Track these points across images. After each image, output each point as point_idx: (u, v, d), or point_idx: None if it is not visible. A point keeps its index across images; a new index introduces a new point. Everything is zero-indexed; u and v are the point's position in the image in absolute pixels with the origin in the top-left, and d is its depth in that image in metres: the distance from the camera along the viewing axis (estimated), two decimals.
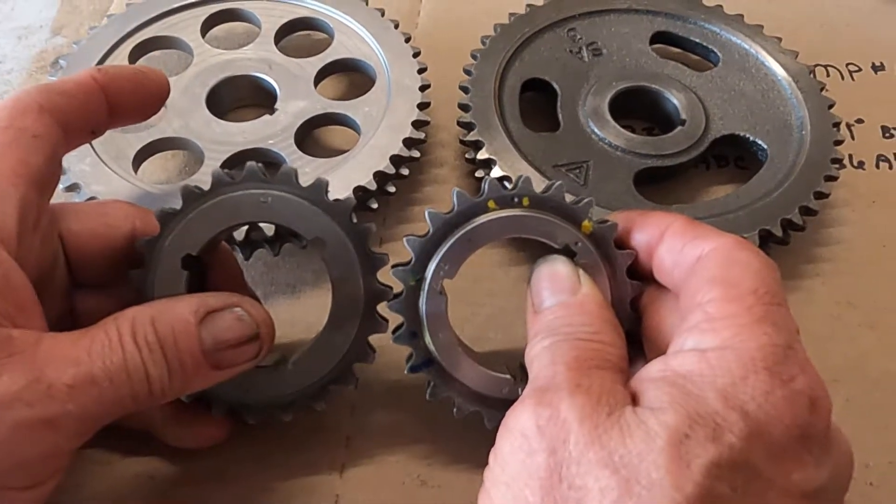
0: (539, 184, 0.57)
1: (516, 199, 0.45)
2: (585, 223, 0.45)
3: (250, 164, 0.44)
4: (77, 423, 0.36)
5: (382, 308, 0.46)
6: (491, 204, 0.45)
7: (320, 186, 0.45)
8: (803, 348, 0.37)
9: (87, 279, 0.46)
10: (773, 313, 0.37)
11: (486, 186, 0.45)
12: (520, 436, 0.36)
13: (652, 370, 0.37)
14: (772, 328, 0.36)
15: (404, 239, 0.45)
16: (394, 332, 0.46)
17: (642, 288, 0.45)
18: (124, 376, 0.37)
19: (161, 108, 0.50)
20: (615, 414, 0.35)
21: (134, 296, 0.44)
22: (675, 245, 0.42)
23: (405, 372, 0.46)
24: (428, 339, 0.45)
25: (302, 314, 0.58)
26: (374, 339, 0.47)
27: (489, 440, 0.39)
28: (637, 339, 0.45)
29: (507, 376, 0.46)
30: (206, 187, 0.45)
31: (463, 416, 0.46)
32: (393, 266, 0.45)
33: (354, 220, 0.45)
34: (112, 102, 0.45)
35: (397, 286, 0.46)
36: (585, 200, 0.45)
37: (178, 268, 0.43)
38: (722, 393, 0.34)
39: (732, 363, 0.35)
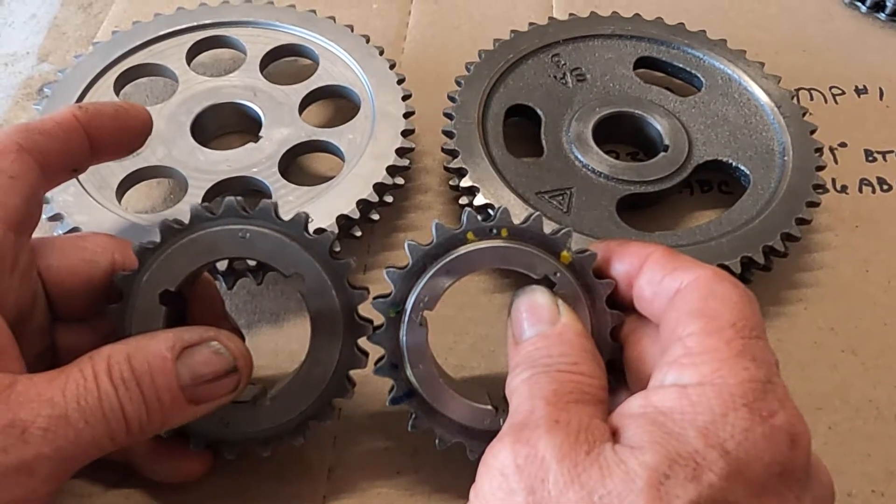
0: (522, 212, 0.58)
1: (495, 231, 0.45)
2: (564, 253, 0.45)
3: (229, 199, 0.44)
4: (53, 466, 0.36)
5: (362, 342, 0.46)
6: (470, 235, 0.45)
7: (299, 221, 0.45)
8: (783, 382, 0.37)
9: (68, 314, 0.46)
10: (752, 347, 0.37)
11: (465, 218, 0.45)
12: (499, 474, 0.36)
13: (632, 405, 0.37)
14: (751, 363, 0.36)
15: (384, 271, 0.45)
16: (375, 363, 0.46)
17: (622, 318, 0.45)
18: (100, 415, 0.37)
19: (144, 144, 0.50)
20: (594, 452, 0.35)
21: (113, 330, 0.44)
22: (654, 276, 0.43)
23: (386, 404, 0.46)
24: (409, 370, 0.46)
25: (285, 343, 0.58)
26: (354, 371, 0.47)
27: (472, 470, 0.39)
28: (618, 369, 0.46)
29: (489, 407, 0.46)
30: (187, 219, 0.45)
31: (445, 448, 0.46)
32: (374, 298, 0.45)
33: (335, 253, 0.45)
34: (94, 140, 0.45)
35: (378, 318, 0.46)
36: (564, 231, 0.45)
37: (156, 303, 0.43)
38: (702, 431, 0.34)
39: (713, 400, 0.35)
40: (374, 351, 0.46)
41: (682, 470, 0.33)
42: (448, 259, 0.45)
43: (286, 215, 0.46)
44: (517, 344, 0.43)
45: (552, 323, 0.43)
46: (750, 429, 0.34)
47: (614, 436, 0.36)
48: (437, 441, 0.46)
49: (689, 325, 0.38)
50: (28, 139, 0.42)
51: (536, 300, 0.44)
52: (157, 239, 0.44)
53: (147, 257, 0.44)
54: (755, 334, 0.38)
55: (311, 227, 0.46)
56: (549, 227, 0.46)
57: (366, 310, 0.46)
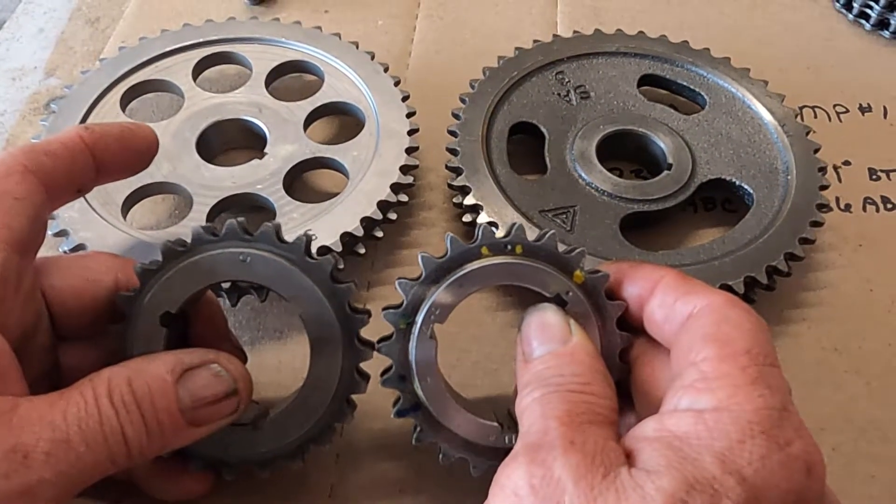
0: (527, 230, 0.58)
1: (509, 247, 0.45)
2: (577, 273, 0.45)
3: (230, 221, 0.44)
4: (55, 490, 0.36)
5: (363, 366, 0.46)
6: (484, 250, 0.45)
7: (300, 245, 0.45)
8: (797, 410, 0.37)
9: (72, 333, 0.46)
10: (766, 374, 0.37)
11: (480, 233, 0.45)
12: (512, 494, 0.36)
13: (647, 429, 0.37)
14: (766, 390, 0.36)
15: (396, 282, 0.45)
16: (382, 374, 0.46)
17: (632, 339, 0.45)
18: (101, 439, 0.37)
19: (149, 164, 0.50)
20: (610, 475, 0.35)
21: (116, 349, 0.44)
22: (666, 300, 0.42)
23: (392, 416, 0.46)
24: (416, 383, 0.45)
25: (288, 360, 0.58)
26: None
27: (475, 490, 0.39)
28: (626, 390, 0.45)
29: (495, 424, 0.46)
30: (189, 239, 0.45)
31: (449, 463, 0.46)
32: (384, 308, 0.45)
33: (336, 277, 0.45)
34: (99, 161, 0.46)
35: (387, 329, 0.45)
36: (578, 250, 0.45)
37: (157, 325, 0.43)
38: (719, 457, 0.34)
39: (729, 426, 0.35)
40: (380, 362, 0.46)
41: (700, 496, 0.33)
42: (461, 273, 0.44)
43: (290, 233, 0.46)
44: (527, 362, 0.43)
45: (563, 342, 0.43)
46: (767, 456, 0.34)
47: (628, 459, 0.36)
48: (440, 456, 0.46)
49: (703, 350, 0.38)
50: (33, 160, 0.42)
51: (548, 318, 0.44)
52: (159, 259, 0.44)
53: (148, 278, 0.44)
54: (769, 361, 0.37)
55: (315, 245, 0.46)
56: (560, 246, 0.46)
57: (367, 332, 0.46)
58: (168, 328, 0.44)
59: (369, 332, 0.46)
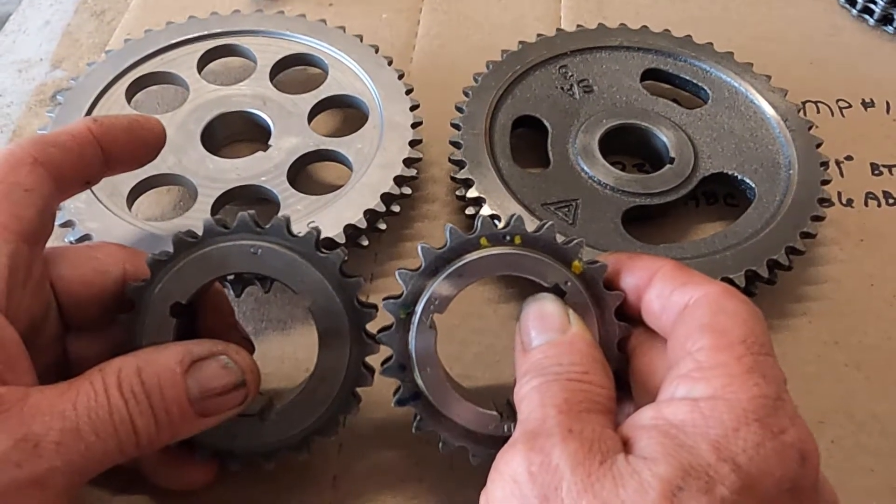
0: (528, 223, 0.58)
1: (508, 238, 0.45)
2: (576, 263, 0.45)
3: (242, 214, 0.45)
4: (65, 479, 0.36)
5: (369, 360, 0.47)
6: (483, 241, 0.45)
7: (310, 239, 0.45)
8: (791, 399, 0.37)
9: (80, 323, 0.46)
10: (761, 364, 0.37)
11: (479, 224, 0.45)
12: (511, 481, 0.36)
13: (644, 417, 0.38)
14: (761, 379, 0.36)
15: (396, 272, 0.45)
16: (382, 364, 0.46)
17: (630, 330, 0.46)
18: (111, 428, 0.38)
19: (157, 156, 0.51)
20: (608, 462, 0.35)
21: (124, 339, 0.44)
22: (663, 290, 0.43)
23: (392, 405, 0.46)
24: (416, 372, 0.46)
25: (292, 350, 0.58)
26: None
27: (476, 479, 0.40)
28: (623, 380, 0.46)
29: (494, 413, 0.46)
30: (200, 231, 0.45)
31: (449, 452, 0.47)
32: (384, 298, 0.46)
33: (345, 271, 0.46)
34: (107, 153, 0.46)
35: (387, 319, 0.46)
36: (576, 241, 0.46)
37: (166, 315, 0.44)
38: (714, 444, 0.34)
39: (724, 414, 0.35)
40: (382, 354, 0.47)
41: (695, 482, 0.33)
42: (460, 263, 0.45)
43: (294, 224, 0.46)
44: (525, 351, 0.43)
45: (562, 331, 0.43)
46: (761, 444, 0.34)
47: (625, 446, 0.37)
48: (441, 444, 0.47)
49: (699, 340, 0.38)
50: (43, 152, 0.42)
51: (546, 308, 0.44)
52: (169, 250, 0.44)
53: (159, 269, 0.44)
54: (764, 351, 0.38)
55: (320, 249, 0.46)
56: (559, 237, 0.46)
57: (370, 325, 0.47)
58: (177, 318, 0.44)
59: (372, 325, 0.47)
